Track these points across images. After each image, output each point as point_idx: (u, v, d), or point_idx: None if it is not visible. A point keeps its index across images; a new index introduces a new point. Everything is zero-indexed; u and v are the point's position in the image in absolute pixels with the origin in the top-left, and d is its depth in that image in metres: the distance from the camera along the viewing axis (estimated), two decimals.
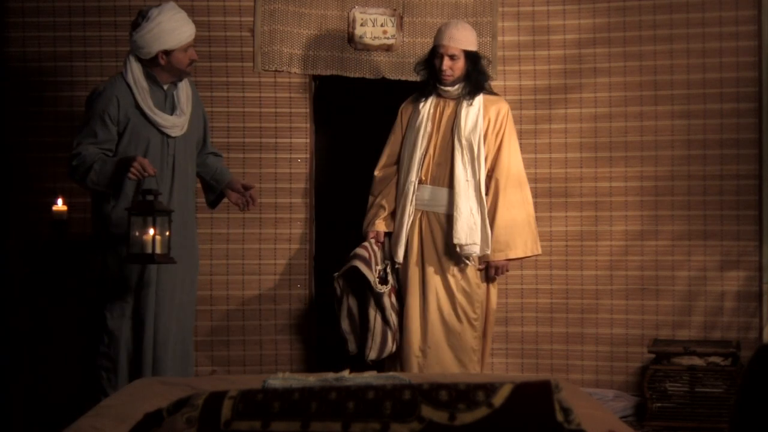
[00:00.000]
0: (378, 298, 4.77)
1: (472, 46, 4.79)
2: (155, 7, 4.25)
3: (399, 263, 4.86)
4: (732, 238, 5.27)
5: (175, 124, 4.32)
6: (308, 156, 5.40)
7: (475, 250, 4.74)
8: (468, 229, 4.72)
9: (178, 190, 4.34)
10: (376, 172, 5.06)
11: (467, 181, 4.76)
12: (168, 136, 4.30)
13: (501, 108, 4.87)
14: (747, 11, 5.24)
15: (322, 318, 5.75)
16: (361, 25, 5.35)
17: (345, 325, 4.86)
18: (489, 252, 4.76)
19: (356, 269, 4.72)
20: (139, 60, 4.26)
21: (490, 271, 4.84)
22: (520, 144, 5.46)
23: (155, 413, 1.99)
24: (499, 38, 5.43)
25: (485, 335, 4.90)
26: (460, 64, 4.77)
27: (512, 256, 4.84)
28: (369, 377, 3.11)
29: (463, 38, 4.76)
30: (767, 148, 5.24)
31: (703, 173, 5.32)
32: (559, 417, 1.81)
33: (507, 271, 4.92)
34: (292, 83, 5.36)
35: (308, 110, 5.39)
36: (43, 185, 5.26)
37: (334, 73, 5.37)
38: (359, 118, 6.40)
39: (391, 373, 3.36)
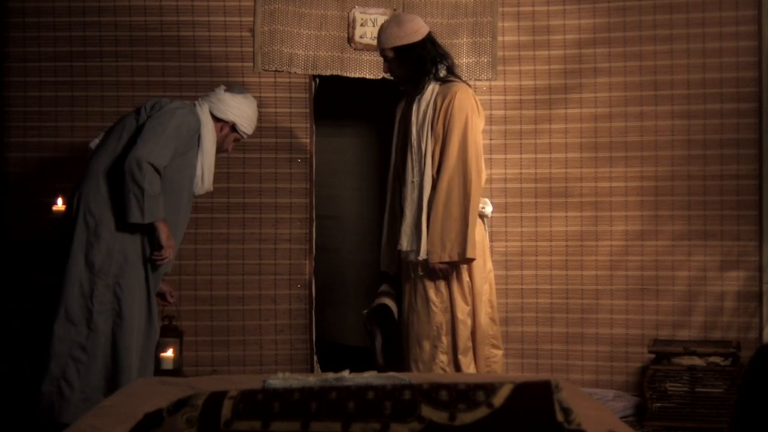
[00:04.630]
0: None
1: (399, 41, 4.39)
2: (252, 95, 4.55)
3: (386, 272, 4.64)
4: (732, 238, 5.27)
5: (208, 189, 4.47)
6: (308, 156, 5.40)
7: (412, 257, 4.41)
8: (410, 234, 4.41)
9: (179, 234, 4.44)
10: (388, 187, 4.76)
11: (412, 182, 4.43)
12: (191, 192, 4.42)
13: (447, 95, 4.39)
14: (747, 11, 5.24)
15: (322, 318, 5.75)
16: (361, 25, 5.35)
17: (382, 359, 4.64)
18: (421, 257, 4.38)
19: (384, 306, 4.55)
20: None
21: (431, 275, 4.42)
22: (520, 144, 5.47)
23: (155, 413, 1.99)
24: (499, 38, 5.43)
25: (456, 352, 4.45)
26: (396, 64, 4.44)
27: (446, 259, 4.35)
28: (369, 377, 3.12)
29: (386, 37, 4.41)
30: (767, 148, 5.24)
31: (703, 173, 5.32)
32: (559, 417, 1.81)
33: (449, 274, 4.42)
34: (292, 83, 5.36)
35: (308, 110, 5.39)
36: (43, 185, 5.26)
37: (334, 73, 5.38)
38: (359, 118, 6.41)
39: (390, 374, 3.35)
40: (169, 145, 4.19)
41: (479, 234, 4.48)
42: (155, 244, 4.21)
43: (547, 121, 5.46)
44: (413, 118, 4.45)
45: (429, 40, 4.47)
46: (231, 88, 4.52)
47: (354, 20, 5.36)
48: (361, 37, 5.35)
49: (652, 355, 5.09)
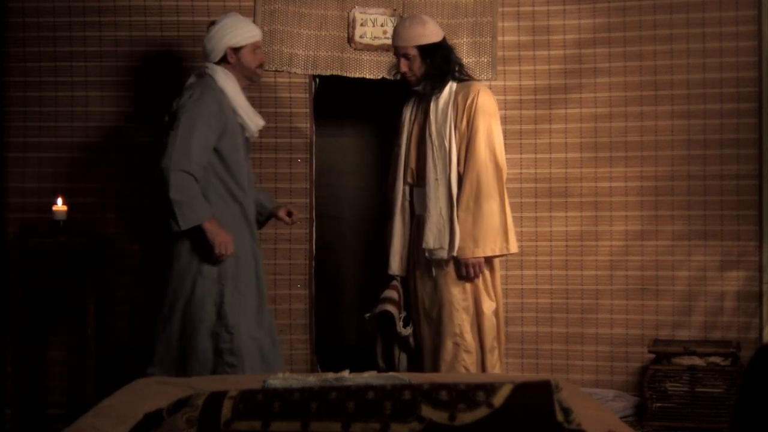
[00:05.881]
0: (402, 341, 4.56)
1: (424, 40, 4.43)
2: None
3: (395, 275, 4.59)
4: (732, 238, 5.27)
5: (259, 124, 4.50)
6: (308, 156, 5.40)
7: (443, 255, 4.37)
8: (437, 232, 4.37)
9: (252, 191, 4.51)
10: (388, 190, 4.74)
11: (436, 180, 4.40)
12: (246, 139, 4.48)
13: (469, 93, 4.42)
14: (747, 11, 5.24)
15: (322, 318, 5.75)
16: (361, 25, 5.35)
17: (383, 363, 4.60)
18: (454, 254, 4.35)
19: (387, 313, 4.49)
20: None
21: (460, 270, 4.39)
22: (520, 144, 5.47)
23: (155, 413, 1.99)
24: (499, 38, 5.43)
25: (483, 350, 4.44)
26: (418, 62, 4.44)
27: (480, 254, 4.35)
28: (369, 377, 3.11)
29: (411, 35, 4.42)
30: (767, 148, 5.24)
31: (703, 173, 5.32)
32: (559, 417, 1.81)
33: (480, 270, 4.41)
34: (292, 83, 5.36)
35: (308, 110, 5.38)
36: (43, 185, 5.26)
37: (334, 73, 5.37)
38: (359, 118, 6.41)
39: (390, 374, 3.35)
40: (190, 141, 4.16)
41: None
42: (207, 246, 4.18)
43: (547, 121, 5.46)
44: (432, 117, 4.44)
45: (446, 42, 4.54)
46: (221, 18, 4.54)
47: (354, 20, 5.35)
48: (361, 37, 5.35)
49: (652, 355, 5.09)
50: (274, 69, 5.31)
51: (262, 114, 5.34)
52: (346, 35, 5.36)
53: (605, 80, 5.40)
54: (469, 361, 4.38)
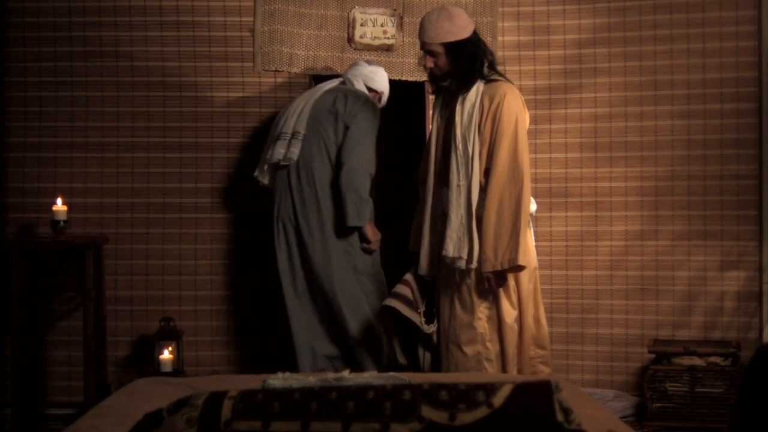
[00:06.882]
0: (425, 339, 4.45)
1: (450, 37, 4.22)
2: None
3: (425, 276, 4.43)
4: (732, 238, 5.27)
5: None
6: None
7: (462, 265, 4.20)
8: (457, 240, 4.19)
9: None
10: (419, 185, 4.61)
11: (458, 186, 4.20)
12: None
13: (495, 95, 4.20)
14: (747, 11, 5.24)
15: None
16: (361, 25, 5.35)
17: (402, 359, 4.53)
18: (474, 266, 4.19)
19: (389, 308, 4.40)
20: None
21: (482, 283, 4.22)
22: None
23: (155, 413, 2.00)
24: (499, 38, 5.43)
25: (505, 358, 4.30)
26: (443, 59, 4.23)
27: (498, 267, 4.16)
28: (369, 377, 3.12)
29: (437, 31, 4.22)
30: (767, 148, 5.24)
31: (703, 173, 5.32)
32: (559, 417, 1.81)
33: (501, 284, 4.23)
34: (292, 83, 5.36)
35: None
36: (43, 185, 5.27)
37: (334, 73, 5.37)
38: None
39: (390, 374, 3.35)
40: (372, 146, 4.71)
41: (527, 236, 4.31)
42: (364, 239, 4.73)
43: (547, 121, 5.46)
44: (457, 119, 4.22)
45: (477, 37, 4.32)
46: (369, 62, 5.05)
47: (354, 20, 5.36)
48: (361, 37, 5.35)
49: (652, 355, 5.09)
50: (274, 69, 5.31)
51: (261, 114, 5.36)
52: (346, 35, 5.36)
53: (605, 80, 5.40)
54: (491, 370, 4.26)
